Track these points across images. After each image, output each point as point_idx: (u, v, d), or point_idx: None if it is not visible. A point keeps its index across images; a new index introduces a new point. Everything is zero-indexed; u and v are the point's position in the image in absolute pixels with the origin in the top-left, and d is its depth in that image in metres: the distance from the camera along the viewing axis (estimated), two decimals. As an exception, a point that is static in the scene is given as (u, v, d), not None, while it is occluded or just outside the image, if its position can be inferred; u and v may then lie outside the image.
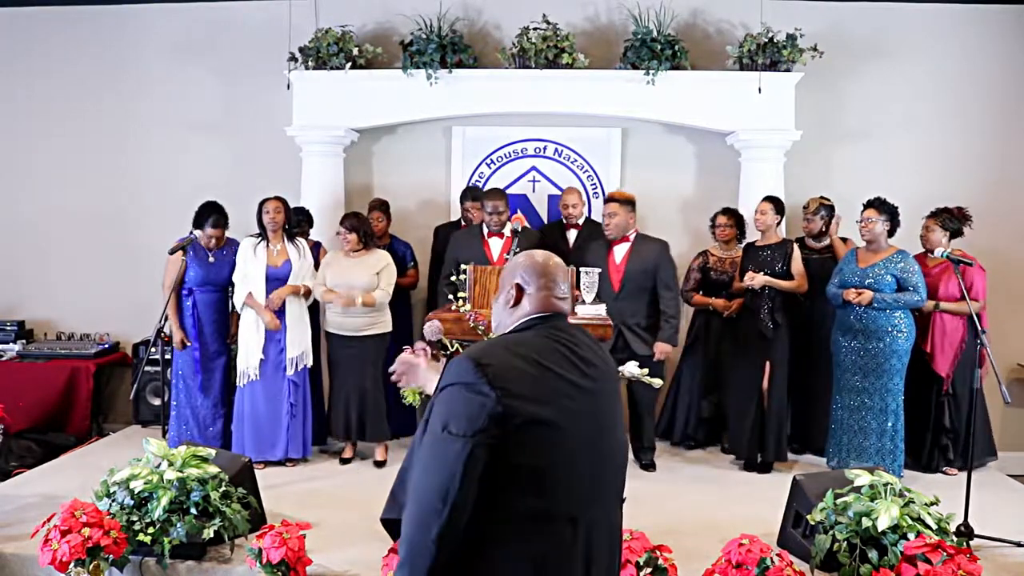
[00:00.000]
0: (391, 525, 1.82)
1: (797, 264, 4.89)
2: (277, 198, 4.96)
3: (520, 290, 1.89)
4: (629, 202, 4.90)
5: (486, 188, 5.69)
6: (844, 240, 5.14)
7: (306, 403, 4.93)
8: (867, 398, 4.60)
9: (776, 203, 5.00)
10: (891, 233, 4.67)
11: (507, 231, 5.08)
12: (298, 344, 4.86)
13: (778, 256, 4.89)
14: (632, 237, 4.90)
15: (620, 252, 4.90)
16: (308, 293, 4.93)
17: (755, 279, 4.78)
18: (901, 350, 4.55)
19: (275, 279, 4.85)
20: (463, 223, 5.56)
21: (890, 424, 4.54)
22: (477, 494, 1.61)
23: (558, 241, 5.31)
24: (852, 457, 4.61)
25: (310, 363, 4.95)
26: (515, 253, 3.97)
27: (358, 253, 4.90)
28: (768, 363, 4.86)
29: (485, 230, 5.17)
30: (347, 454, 5.04)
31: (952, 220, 4.86)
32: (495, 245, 5.12)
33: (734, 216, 5.33)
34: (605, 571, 1.82)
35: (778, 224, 5.01)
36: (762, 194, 5.20)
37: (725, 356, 5.18)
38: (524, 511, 1.68)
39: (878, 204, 4.65)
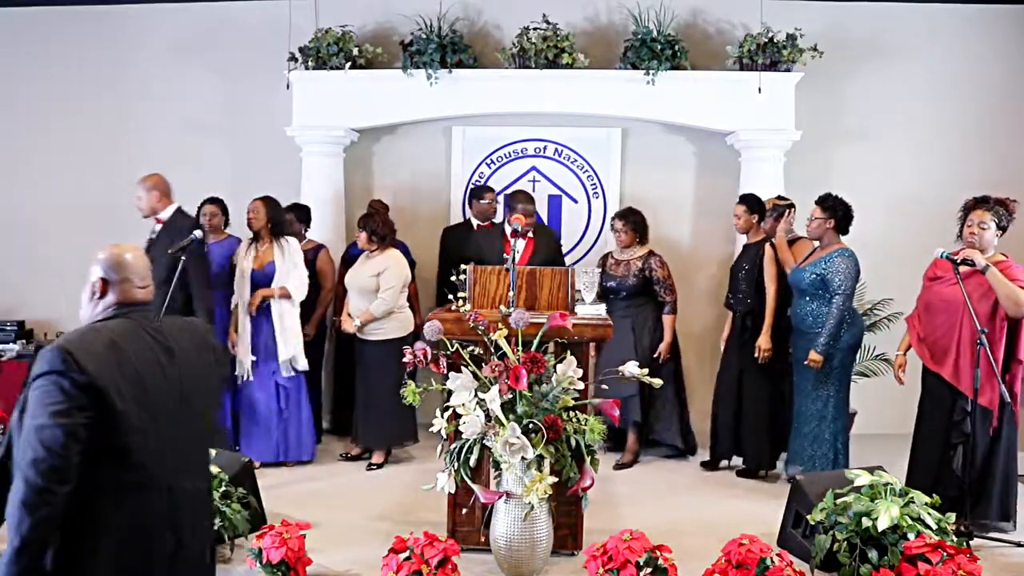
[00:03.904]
0: None
1: (769, 268, 4.71)
2: (261, 199, 4.88)
3: (105, 283, 2.09)
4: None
5: (499, 189, 5.73)
6: (796, 240, 4.91)
7: (302, 406, 4.87)
8: (802, 401, 4.45)
9: (750, 203, 4.87)
10: (842, 230, 4.43)
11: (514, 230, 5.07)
12: (288, 346, 4.76)
13: (750, 256, 4.81)
14: None
15: None
16: (287, 295, 4.76)
17: (760, 346, 4.64)
18: (836, 352, 4.32)
19: (258, 281, 4.78)
20: (477, 224, 5.52)
21: (821, 431, 4.36)
22: (78, 469, 1.82)
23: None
24: (798, 463, 4.44)
25: (304, 366, 4.84)
26: (515, 253, 3.96)
27: (373, 253, 4.87)
28: (740, 369, 4.79)
29: (507, 229, 5.10)
30: (352, 452, 5.05)
31: (1008, 217, 3.93)
32: (517, 247, 5.09)
33: (627, 220, 4.97)
34: (192, 533, 2.06)
35: (758, 221, 4.88)
36: (762, 194, 5.19)
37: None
38: (117, 482, 1.90)
39: (822, 200, 4.46)
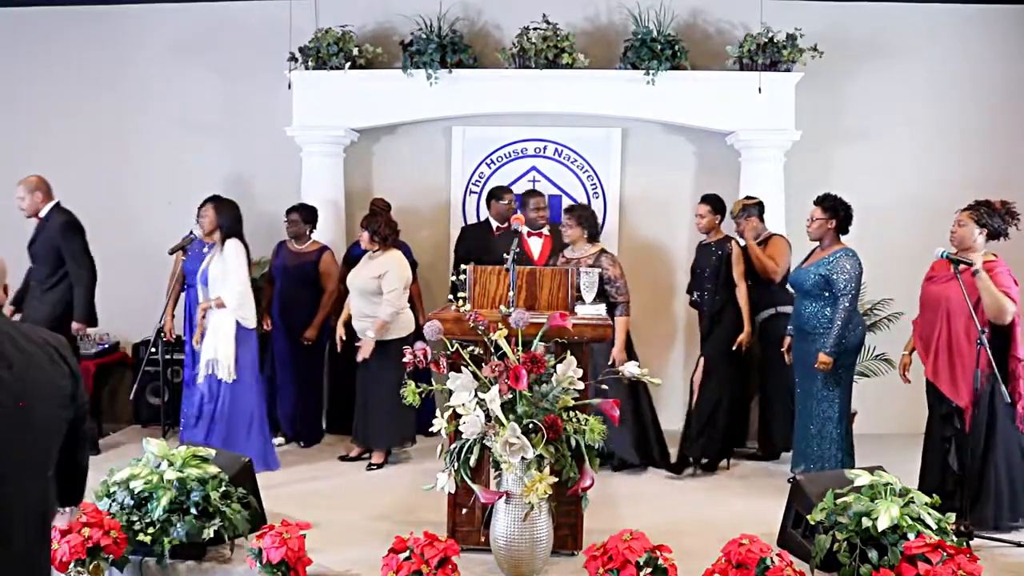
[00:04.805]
0: None
1: (737, 266, 4.75)
2: (211, 201, 4.73)
3: None
4: None
5: (496, 188, 5.71)
6: (768, 238, 4.99)
7: (215, 417, 4.59)
8: (806, 402, 4.43)
9: (713, 202, 4.88)
10: (842, 231, 4.40)
11: (545, 231, 5.20)
12: (209, 350, 4.56)
13: (716, 254, 4.80)
14: None
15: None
16: (221, 305, 4.57)
17: (742, 340, 4.73)
18: (840, 353, 4.28)
19: (202, 284, 4.68)
20: (496, 226, 5.52)
21: (828, 431, 4.34)
22: None
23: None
24: (806, 464, 4.42)
25: (226, 376, 4.55)
26: (515, 253, 3.96)
27: (375, 253, 4.85)
28: (702, 359, 4.80)
29: (524, 230, 5.12)
30: (352, 452, 5.04)
31: (990, 215, 3.91)
32: (535, 244, 5.23)
33: (572, 213, 4.74)
34: (25, 539, 2.01)
35: (720, 221, 4.89)
36: (762, 194, 5.20)
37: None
38: None
39: (821, 200, 4.43)
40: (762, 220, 5.10)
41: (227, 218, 4.68)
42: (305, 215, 5.33)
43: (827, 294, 4.33)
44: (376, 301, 4.75)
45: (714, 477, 4.82)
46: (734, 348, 4.73)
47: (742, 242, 4.97)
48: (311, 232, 5.37)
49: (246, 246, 4.72)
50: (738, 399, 4.96)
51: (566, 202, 5.97)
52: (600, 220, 5.92)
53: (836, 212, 4.37)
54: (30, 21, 6.23)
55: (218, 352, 4.56)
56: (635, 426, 4.77)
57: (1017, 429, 3.85)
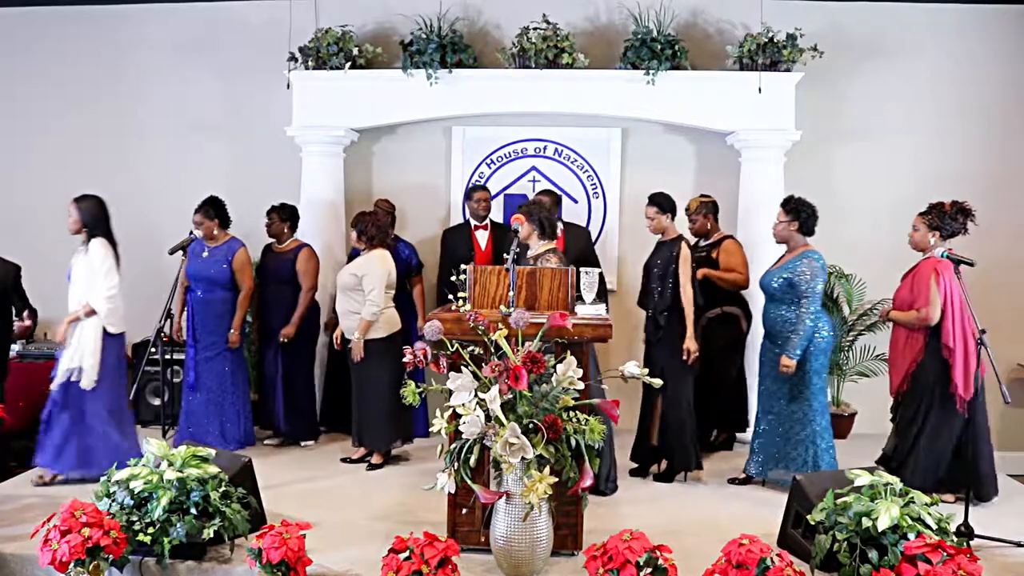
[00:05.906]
0: None
1: (684, 268, 4.50)
2: (75, 198, 4.45)
3: None
4: None
5: (499, 189, 5.91)
6: (723, 239, 5.04)
7: (89, 419, 4.38)
8: (775, 404, 4.44)
9: (659, 202, 4.63)
10: (807, 232, 4.40)
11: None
12: (74, 359, 4.33)
13: (666, 254, 4.61)
14: None
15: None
16: (91, 313, 4.35)
17: (689, 348, 4.48)
18: (808, 355, 4.31)
19: (68, 281, 4.46)
20: (474, 225, 5.63)
21: (796, 432, 4.37)
22: None
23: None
24: (776, 465, 4.45)
25: (88, 385, 4.32)
26: (515, 252, 3.96)
27: (365, 252, 4.85)
28: (661, 368, 4.52)
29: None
30: (355, 456, 5.01)
31: (941, 217, 4.24)
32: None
33: (523, 211, 4.45)
34: None
35: (672, 219, 4.68)
36: (762, 194, 5.19)
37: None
38: None
39: (784, 203, 4.45)
40: (716, 220, 5.14)
41: (90, 216, 4.40)
42: (283, 214, 5.33)
43: (792, 297, 4.35)
44: (355, 298, 4.76)
45: (713, 477, 4.83)
46: (686, 360, 4.52)
47: (692, 240, 4.94)
48: (289, 231, 5.36)
49: (114, 245, 4.45)
50: (703, 395, 4.85)
51: (566, 202, 5.99)
52: (600, 221, 5.97)
53: (798, 214, 4.39)
54: (30, 21, 6.23)
55: (84, 361, 4.32)
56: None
57: (960, 413, 4.13)
